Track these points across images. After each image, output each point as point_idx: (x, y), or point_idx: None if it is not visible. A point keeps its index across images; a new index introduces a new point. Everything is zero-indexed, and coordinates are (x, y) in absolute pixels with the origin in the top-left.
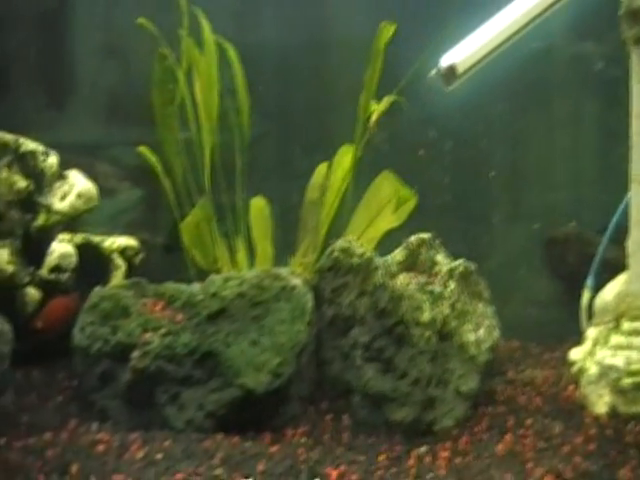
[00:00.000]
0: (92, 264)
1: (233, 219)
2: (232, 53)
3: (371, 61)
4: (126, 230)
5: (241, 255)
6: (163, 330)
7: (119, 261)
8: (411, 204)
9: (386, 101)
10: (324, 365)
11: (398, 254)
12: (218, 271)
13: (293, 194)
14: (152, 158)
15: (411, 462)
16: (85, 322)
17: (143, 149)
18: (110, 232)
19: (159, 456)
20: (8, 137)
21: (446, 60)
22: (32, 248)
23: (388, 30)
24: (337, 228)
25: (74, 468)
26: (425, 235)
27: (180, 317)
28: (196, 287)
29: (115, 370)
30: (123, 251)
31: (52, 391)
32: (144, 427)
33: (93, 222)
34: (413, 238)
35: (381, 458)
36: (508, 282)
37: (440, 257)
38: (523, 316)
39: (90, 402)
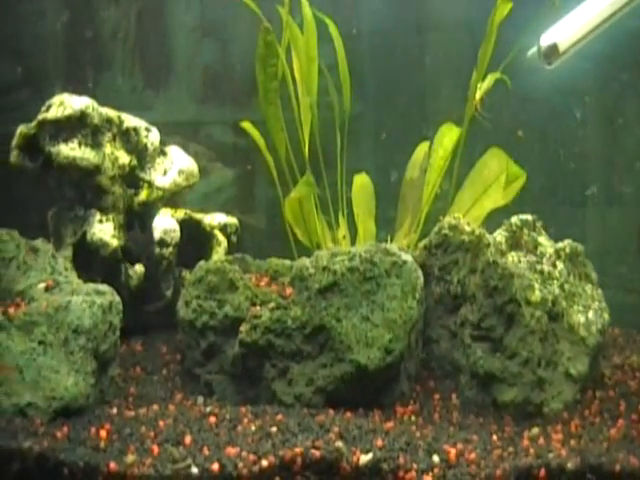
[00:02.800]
0: (193, 240)
1: (333, 196)
2: (333, 29)
3: (485, 38)
4: (220, 209)
5: (342, 232)
6: (272, 304)
7: (220, 237)
8: (520, 182)
9: (490, 79)
10: (430, 343)
11: (499, 235)
12: (318, 248)
13: (392, 172)
14: (255, 133)
15: (525, 443)
16: (190, 296)
17: (246, 124)
18: (204, 211)
19: (273, 429)
20: (112, 113)
21: (546, 39)
22: (135, 223)
23: (504, 8)
24: (439, 207)
25: (187, 439)
26: (528, 216)
27: (289, 291)
28: (305, 261)
29: (221, 344)
30: (223, 228)
31: (156, 364)
32: (250, 401)
33: (188, 200)
34: (515, 219)
35: (494, 438)
36: (605, 267)
37: (543, 239)
38: (621, 303)
39: (194, 376)
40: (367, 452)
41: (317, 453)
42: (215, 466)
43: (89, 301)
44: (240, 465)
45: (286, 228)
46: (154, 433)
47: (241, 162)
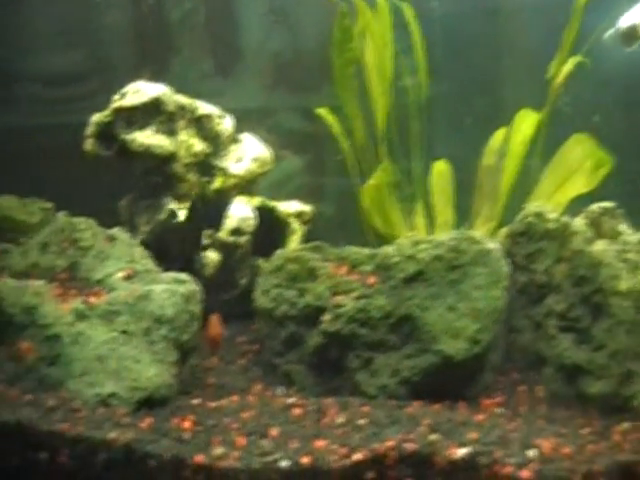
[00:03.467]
0: (268, 228)
1: (411, 184)
2: (409, 12)
3: (570, 21)
4: (289, 198)
5: (420, 221)
6: (356, 293)
7: (295, 225)
8: (606, 169)
9: (572, 62)
10: (514, 334)
11: (578, 223)
12: (395, 237)
13: (468, 159)
14: (331, 119)
15: (617, 437)
16: (269, 285)
17: (322, 110)
18: (275, 199)
19: (362, 422)
20: (185, 100)
21: (626, 20)
22: (209, 211)
23: None
24: (518, 194)
25: (274, 432)
26: (608, 204)
27: (372, 280)
28: (389, 249)
29: (301, 333)
30: (298, 216)
31: (233, 354)
32: (332, 393)
33: (258, 189)
34: (595, 207)
35: (584, 432)
36: None
37: (623, 227)
38: None
39: (273, 366)
40: (462, 446)
41: (411, 446)
42: (305, 459)
43: (170, 290)
44: (331, 458)
45: (357, 216)
46: (238, 425)
47: (311, 149)
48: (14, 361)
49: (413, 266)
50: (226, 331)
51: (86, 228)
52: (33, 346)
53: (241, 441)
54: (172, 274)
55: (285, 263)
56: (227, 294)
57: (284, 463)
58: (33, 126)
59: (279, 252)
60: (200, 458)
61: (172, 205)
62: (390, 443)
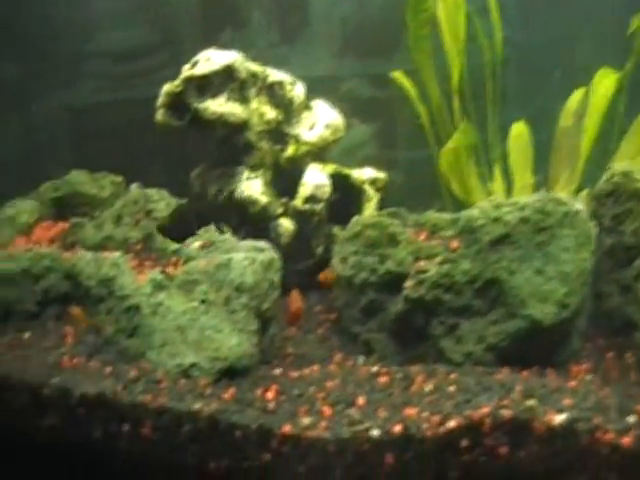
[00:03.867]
0: (343, 195)
1: (487, 148)
2: None
3: None
4: (359, 167)
5: (498, 185)
6: (439, 258)
7: (371, 192)
8: None
9: None
10: (600, 298)
11: None
12: (472, 203)
13: (544, 121)
14: (407, 83)
15: None
16: (347, 252)
17: (397, 74)
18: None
19: (451, 389)
20: (256, 67)
21: None
22: (283, 179)
23: None
24: (598, 155)
25: (361, 400)
26: None
27: (455, 244)
28: (474, 212)
29: (382, 301)
30: (373, 183)
31: (311, 324)
32: (414, 361)
33: (328, 157)
34: None
35: None
36: None
37: None
38: None
39: (352, 335)
40: (559, 412)
41: (507, 413)
42: (397, 428)
43: (250, 258)
44: (424, 427)
45: (429, 185)
46: (323, 394)
47: (381, 117)
48: (94, 335)
49: (499, 229)
50: (305, 300)
51: (160, 199)
52: (83, 312)
53: (328, 410)
54: (251, 242)
55: (364, 229)
56: (302, 264)
57: (375, 432)
58: (102, 102)
59: (357, 218)
60: (288, 428)
61: (246, 173)
62: (485, 410)
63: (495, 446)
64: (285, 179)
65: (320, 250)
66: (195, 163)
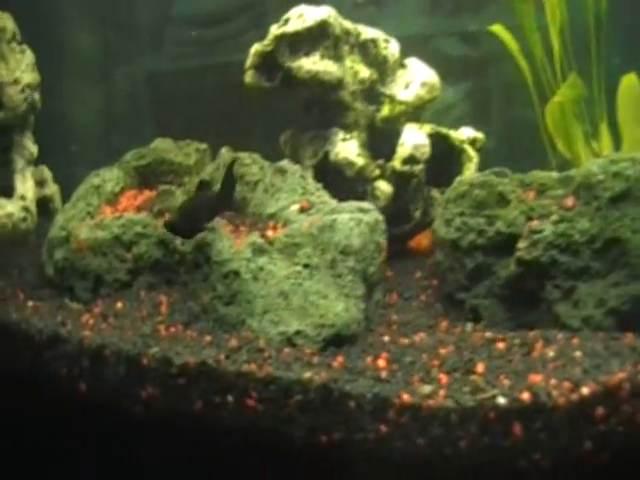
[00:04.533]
0: (441, 156)
1: (592, 103)
2: None
3: None
4: (454, 126)
5: (605, 141)
6: (554, 217)
7: (471, 152)
8: None
9: None
10: None
11: None
12: (578, 161)
13: None
14: (507, 37)
15: None
16: (451, 213)
17: (496, 27)
18: None
19: (577, 354)
20: (348, 25)
21: None
22: (377, 141)
23: None
24: None
25: (480, 367)
26: None
27: (571, 202)
28: (592, 167)
29: (491, 264)
30: (472, 142)
31: (413, 290)
32: (526, 327)
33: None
34: None
35: None
36: None
37: None
38: None
39: (457, 301)
40: None
41: None
42: (525, 395)
43: (356, 219)
44: (554, 394)
45: (526, 145)
46: (438, 361)
47: (473, 76)
48: (190, 303)
49: (620, 184)
50: (401, 266)
51: (252, 163)
52: None
53: (444, 378)
54: (354, 203)
55: (470, 189)
56: (400, 228)
57: (501, 400)
58: (184, 68)
59: (461, 178)
60: (407, 397)
61: (340, 135)
62: (621, 375)
63: (634, 413)
64: (379, 140)
65: (418, 214)
66: (283, 127)
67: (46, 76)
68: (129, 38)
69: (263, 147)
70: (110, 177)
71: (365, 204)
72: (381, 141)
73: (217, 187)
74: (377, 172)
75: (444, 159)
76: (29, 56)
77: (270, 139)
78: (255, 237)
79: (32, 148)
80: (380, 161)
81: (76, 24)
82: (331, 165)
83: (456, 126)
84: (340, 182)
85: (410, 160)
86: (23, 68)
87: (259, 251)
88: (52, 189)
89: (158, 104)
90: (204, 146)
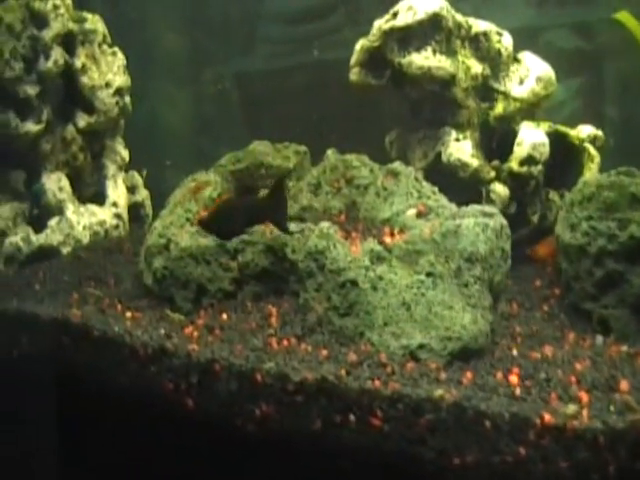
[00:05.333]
0: (560, 155)
1: None
2: None
3: None
4: (567, 124)
5: None
6: None
7: (592, 151)
8: None
9: None
10: None
11: None
12: None
13: None
14: (634, 24)
15: None
16: (577, 217)
17: (623, 15)
18: None
19: None
20: (459, 17)
21: None
22: (490, 140)
23: None
24: None
25: (623, 385)
26: None
27: None
28: None
29: (623, 271)
30: (592, 141)
31: (533, 299)
32: None
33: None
34: None
35: None
36: None
37: None
38: None
39: (584, 311)
40: None
41: None
42: None
43: (482, 224)
44: None
45: None
46: (575, 377)
47: (587, 70)
48: (303, 314)
49: None
50: (519, 274)
51: (360, 165)
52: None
53: (585, 396)
54: (477, 206)
55: (598, 191)
56: (517, 233)
57: None
58: (278, 68)
59: (586, 179)
60: (548, 417)
61: (453, 135)
62: None
63: None
64: (493, 140)
65: (536, 218)
66: (385, 126)
67: (134, 78)
68: (218, 37)
69: (363, 148)
70: (207, 181)
71: (488, 207)
72: (495, 140)
73: (264, 193)
74: (492, 174)
75: (563, 159)
76: (120, 58)
77: (371, 140)
78: (373, 244)
79: (123, 153)
80: (495, 162)
81: (163, 25)
82: (443, 167)
83: (568, 124)
84: (453, 185)
85: (528, 161)
86: (115, 71)
87: (378, 259)
88: (143, 195)
89: (249, 105)
90: (303, 148)
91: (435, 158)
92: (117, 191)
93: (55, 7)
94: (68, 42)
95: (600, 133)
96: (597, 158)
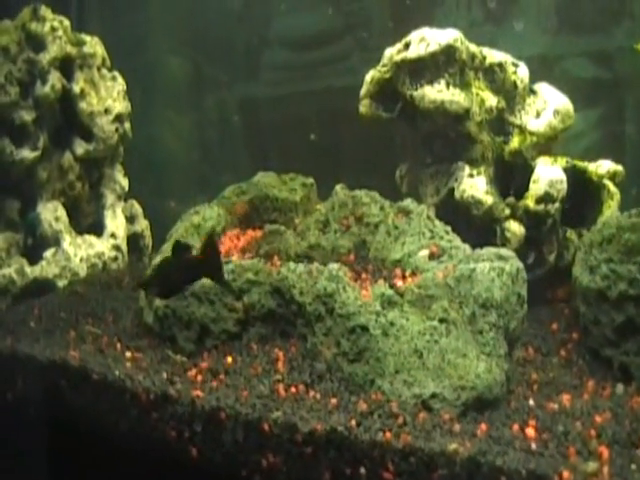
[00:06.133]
0: (578, 192)
1: None
2: None
3: None
4: (583, 157)
5: None
6: None
7: (612, 188)
8: None
9: None
10: None
11: None
12: None
13: None
14: None
15: None
16: (597, 260)
17: None
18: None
19: None
20: (473, 47)
21: None
22: (506, 175)
23: None
24: None
25: None
26: None
27: None
28: None
29: None
30: (612, 177)
31: (550, 344)
32: None
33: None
34: None
35: None
36: None
37: None
38: None
39: (604, 358)
40: None
41: None
42: None
43: (497, 268)
44: None
45: None
46: (595, 431)
47: (607, 99)
48: (311, 359)
49: None
50: (535, 316)
51: (371, 202)
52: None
53: (606, 452)
54: (492, 249)
55: (618, 232)
56: (532, 273)
57: None
58: (282, 95)
59: (606, 219)
60: (567, 475)
61: (467, 170)
62: None
63: None
64: (508, 176)
65: (552, 257)
66: (397, 157)
67: (134, 104)
68: (222, 62)
69: (372, 180)
70: (210, 215)
71: (504, 250)
72: (510, 176)
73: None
74: (507, 211)
75: (581, 196)
76: (120, 83)
77: (381, 170)
78: (384, 288)
79: (123, 182)
80: (510, 199)
81: (165, 48)
82: (456, 204)
83: (586, 156)
84: (466, 222)
85: (545, 198)
86: (114, 96)
87: (389, 303)
88: (142, 225)
89: (253, 133)
90: (310, 180)
91: (447, 194)
92: (116, 221)
93: (53, 29)
94: (66, 66)
95: (620, 168)
96: (617, 195)
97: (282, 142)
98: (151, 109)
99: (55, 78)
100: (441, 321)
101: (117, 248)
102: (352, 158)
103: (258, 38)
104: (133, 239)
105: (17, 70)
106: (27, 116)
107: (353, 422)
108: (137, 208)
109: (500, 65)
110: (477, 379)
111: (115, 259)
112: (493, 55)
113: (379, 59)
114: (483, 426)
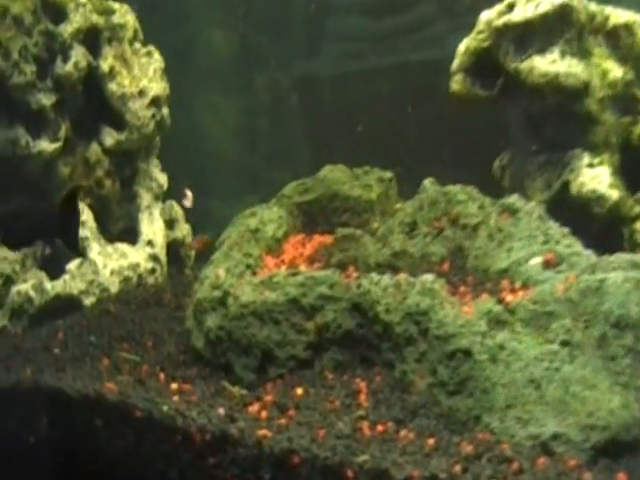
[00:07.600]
0: None
1: None
2: None
3: None
4: None
5: None
6: None
7: None
8: None
9: None
10: None
11: None
12: None
13: None
14: None
15: None
16: None
17: None
18: None
19: None
20: (593, 7)
21: None
22: (636, 165)
23: None
24: None
25: None
26: None
27: None
28: None
29: None
30: None
31: None
32: None
33: None
34: None
35: None
36: None
37: None
38: None
39: None
40: None
41: None
42: None
43: (632, 279)
44: None
45: None
46: None
47: None
48: (400, 391)
49: None
50: None
51: (468, 199)
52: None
53: None
54: (624, 255)
55: None
56: None
57: None
58: (349, 72)
59: None
60: None
61: (585, 159)
62: None
63: None
64: (636, 165)
65: None
66: (495, 146)
67: (171, 85)
68: (275, 35)
69: (462, 174)
70: (270, 217)
71: (638, 257)
72: (636, 166)
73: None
74: (637, 209)
75: None
76: (157, 60)
77: (473, 162)
78: (490, 303)
79: (160, 178)
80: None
81: (207, 20)
82: (572, 200)
83: None
84: (584, 223)
85: None
86: (150, 76)
87: (497, 322)
88: (183, 230)
89: (314, 119)
90: (388, 175)
91: (561, 189)
92: (153, 226)
93: None
94: (91, 39)
95: None
96: None
97: (350, 129)
98: (191, 92)
99: (79, 54)
100: (563, 344)
101: (155, 258)
102: (438, 147)
103: (320, 3)
104: (173, 247)
105: (33, 44)
106: (45, 100)
107: (457, 468)
108: (177, 210)
109: (627, 27)
110: (610, 416)
111: (153, 271)
112: (618, 15)
113: (472, 25)
114: (621, 476)
